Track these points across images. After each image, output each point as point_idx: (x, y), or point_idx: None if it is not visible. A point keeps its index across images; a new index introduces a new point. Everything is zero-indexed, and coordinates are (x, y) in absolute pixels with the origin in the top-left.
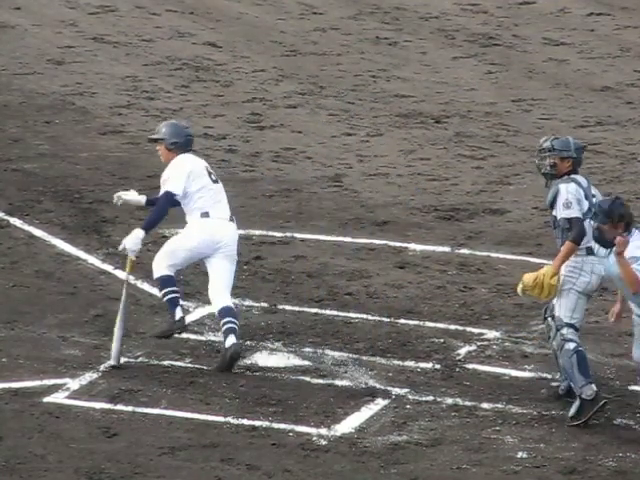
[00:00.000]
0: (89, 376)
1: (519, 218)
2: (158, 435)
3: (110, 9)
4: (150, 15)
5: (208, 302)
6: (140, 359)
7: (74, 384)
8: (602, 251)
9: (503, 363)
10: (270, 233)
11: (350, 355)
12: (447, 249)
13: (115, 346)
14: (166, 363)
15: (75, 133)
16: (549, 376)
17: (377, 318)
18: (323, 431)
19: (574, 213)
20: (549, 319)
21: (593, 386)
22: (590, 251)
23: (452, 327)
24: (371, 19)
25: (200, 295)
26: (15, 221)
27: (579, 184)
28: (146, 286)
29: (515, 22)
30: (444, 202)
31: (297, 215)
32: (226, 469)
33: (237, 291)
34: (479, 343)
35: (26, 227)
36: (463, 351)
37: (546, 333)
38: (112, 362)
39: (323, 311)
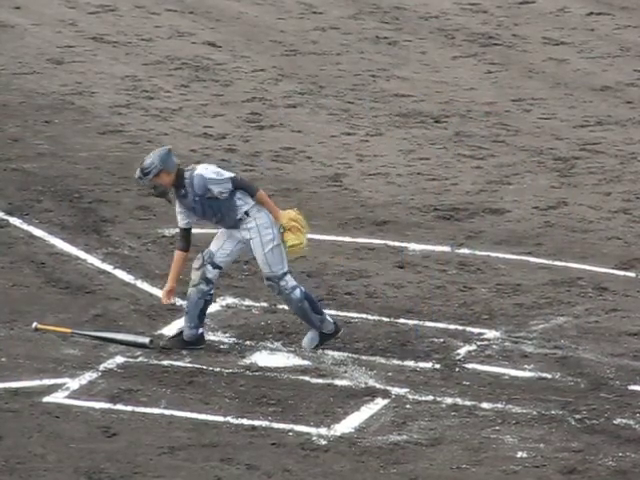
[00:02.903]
0: (89, 376)
1: (519, 218)
2: (158, 435)
3: (110, 9)
4: (150, 15)
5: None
6: (140, 359)
7: (74, 384)
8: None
9: (503, 363)
10: None
11: (350, 355)
12: (447, 249)
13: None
14: (166, 363)
15: (75, 133)
16: (549, 376)
17: (377, 318)
18: (323, 431)
19: (230, 174)
20: (208, 265)
21: (329, 319)
22: None
23: (452, 327)
24: (371, 19)
25: None
26: (15, 221)
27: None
28: (146, 286)
29: (515, 22)
30: (444, 202)
31: None
32: (226, 469)
33: (237, 291)
34: (479, 343)
35: (25, 227)
36: (463, 351)
37: (199, 278)
38: (145, 340)
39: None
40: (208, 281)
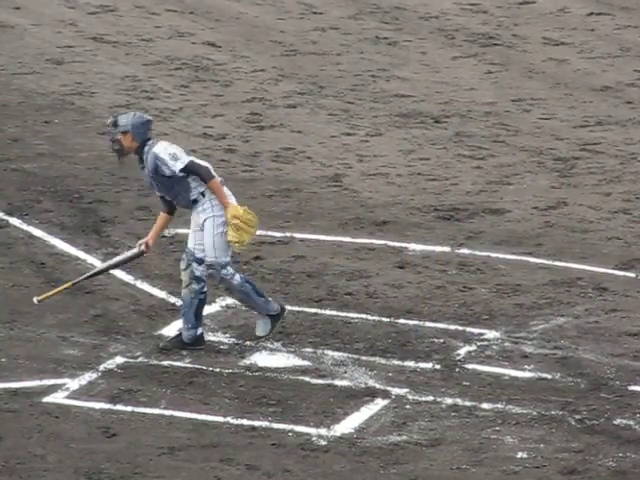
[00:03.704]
0: (88, 376)
1: (519, 218)
2: (157, 435)
3: (109, 9)
4: (150, 15)
5: (207, 302)
6: (139, 359)
7: (73, 384)
8: None
9: (503, 363)
10: (270, 233)
11: (350, 355)
12: (447, 249)
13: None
14: (165, 363)
15: (74, 133)
16: (549, 376)
17: (377, 318)
18: (323, 431)
19: (186, 159)
20: (193, 263)
21: (271, 299)
22: None
23: (452, 327)
24: (371, 19)
25: None
26: (14, 221)
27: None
28: (146, 286)
29: (515, 22)
30: (444, 202)
31: (297, 215)
32: (225, 469)
33: None
34: (479, 343)
35: (25, 227)
36: (463, 351)
37: (189, 278)
38: (142, 248)
39: (323, 311)
40: (198, 279)
